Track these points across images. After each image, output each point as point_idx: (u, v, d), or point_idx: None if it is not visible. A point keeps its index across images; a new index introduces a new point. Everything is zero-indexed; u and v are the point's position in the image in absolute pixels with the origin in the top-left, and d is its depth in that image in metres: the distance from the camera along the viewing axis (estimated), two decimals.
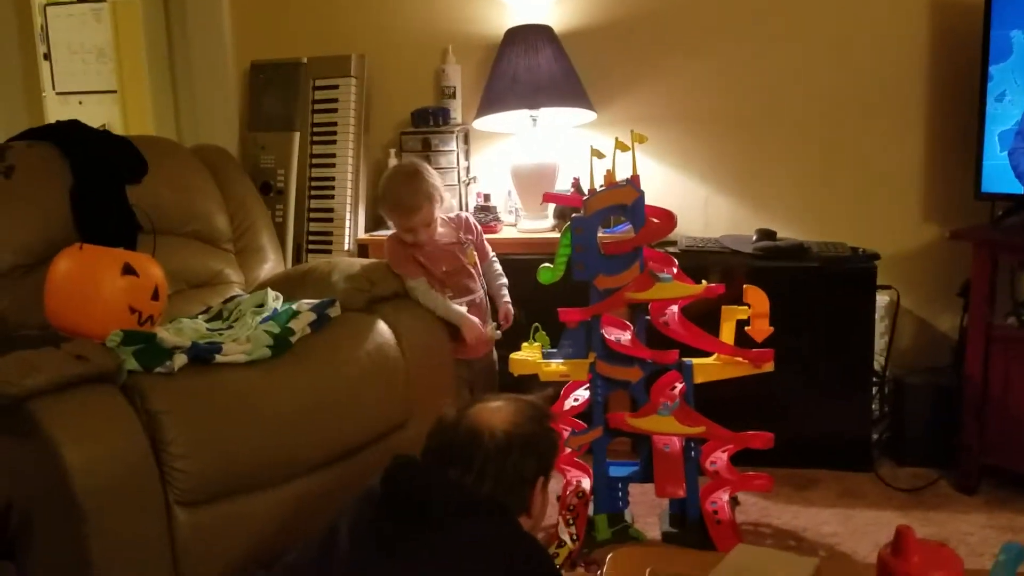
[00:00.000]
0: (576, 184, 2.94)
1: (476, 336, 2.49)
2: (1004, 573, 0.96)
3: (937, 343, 2.98)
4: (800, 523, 2.44)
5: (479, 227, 2.68)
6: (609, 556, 1.32)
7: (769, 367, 2.26)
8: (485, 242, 2.67)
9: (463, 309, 2.50)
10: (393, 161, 3.10)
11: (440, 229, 2.55)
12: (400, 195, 2.47)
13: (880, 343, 2.83)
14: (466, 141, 3.14)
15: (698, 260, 2.71)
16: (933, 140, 2.94)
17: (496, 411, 1.53)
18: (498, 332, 2.61)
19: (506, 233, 3.01)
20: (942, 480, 2.64)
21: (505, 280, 2.66)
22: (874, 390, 2.82)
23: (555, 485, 2.49)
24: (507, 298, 2.64)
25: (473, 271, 2.59)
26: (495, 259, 2.68)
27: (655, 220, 2.25)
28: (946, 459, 2.67)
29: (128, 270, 1.91)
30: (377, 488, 1.46)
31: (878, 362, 2.83)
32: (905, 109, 2.94)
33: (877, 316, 2.75)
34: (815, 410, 2.72)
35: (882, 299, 2.82)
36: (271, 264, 2.80)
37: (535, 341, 2.40)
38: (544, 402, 1.66)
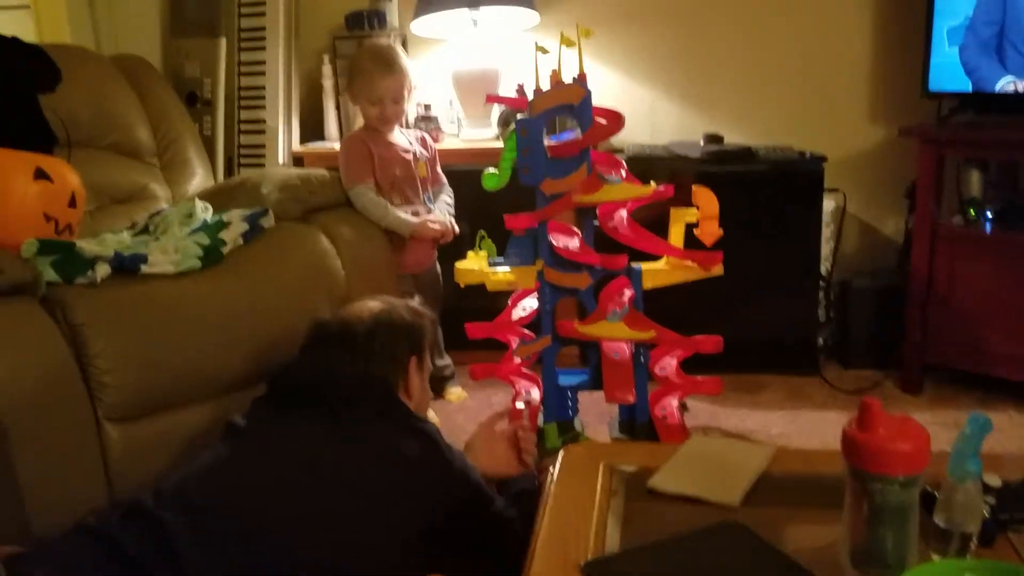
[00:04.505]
0: (520, 89, 2.83)
1: (431, 234, 2.43)
2: (970, 444, 0.93)
3: (882, 246, 2.99)
4: (748, 426, 2.45)
5: (435, 150, 2.61)
6: (561, 452, 1.27)
7: (718, 270, 2.23)
8: (439, 166, 2.60)
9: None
10: (328, 68, 2.97)
11: (398, 134, 2.50)
12: (380, 53, 2.44)
13: (826, 248, 2.83)
14: (404, 47, 2.99)
15: (646, 166, 2.63)
16: (880, 37, 2.89)
17: (364, 304, 1.68)
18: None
19: (448, 143, 2.91)
20: (887, 381, 2.67)
21: (451, 206, 2.58)
22: (820, 294, 2.82)
23: (504, 396, 2.47)
24: (448, 213, 2.55)
25: (420, 186, 2.50)
26: (448, 190, 2.60)
27: (602, 120, 2.19)
28: (890, 361, 2.70)
29: (41, 174, 1.77)
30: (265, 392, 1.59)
31: (824, 267, 2.83)
32: (851, 5, 2.89)
33: (823, 221, 2.74)
34: (762, 314, 2.72)
35: (828, 203, 2.80)
36: (199, 178, 2.66)
37: (481, 249, 2.33)
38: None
